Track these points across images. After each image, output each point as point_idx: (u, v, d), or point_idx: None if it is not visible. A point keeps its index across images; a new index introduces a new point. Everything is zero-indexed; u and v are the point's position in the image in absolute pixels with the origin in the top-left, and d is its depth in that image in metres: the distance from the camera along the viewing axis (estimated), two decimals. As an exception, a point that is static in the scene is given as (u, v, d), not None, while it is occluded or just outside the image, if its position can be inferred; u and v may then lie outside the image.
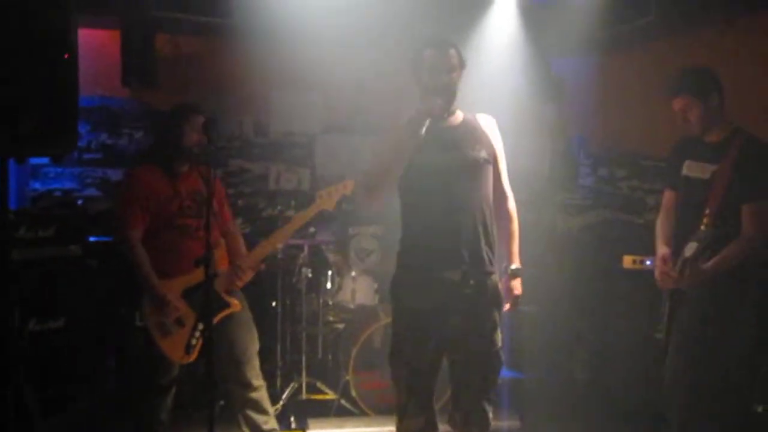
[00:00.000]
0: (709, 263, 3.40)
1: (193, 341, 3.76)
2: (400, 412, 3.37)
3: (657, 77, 5.56)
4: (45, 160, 4.29)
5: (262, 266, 4.14)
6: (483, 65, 5.71)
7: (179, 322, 3.80)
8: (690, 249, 3.43)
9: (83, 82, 5.76)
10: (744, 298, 3.51)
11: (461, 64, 3.31)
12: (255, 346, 4.03)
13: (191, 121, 3.84)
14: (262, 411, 4.01)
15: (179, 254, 3.81)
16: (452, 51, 3.27)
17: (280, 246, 4.74)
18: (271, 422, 4.04)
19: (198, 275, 3.37)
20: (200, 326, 3.76)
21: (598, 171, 6.53)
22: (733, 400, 3.64)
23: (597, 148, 6.60)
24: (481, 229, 3.25)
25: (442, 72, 3.23)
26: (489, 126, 3.40)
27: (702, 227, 3.43)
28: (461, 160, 3.25)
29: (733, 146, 3.45)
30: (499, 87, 5.81)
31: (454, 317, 3.24)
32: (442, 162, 3.24)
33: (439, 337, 3.28)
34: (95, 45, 5.95)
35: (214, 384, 3.25)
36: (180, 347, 3.77)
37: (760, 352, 4.25)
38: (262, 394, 4.03)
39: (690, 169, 3.62)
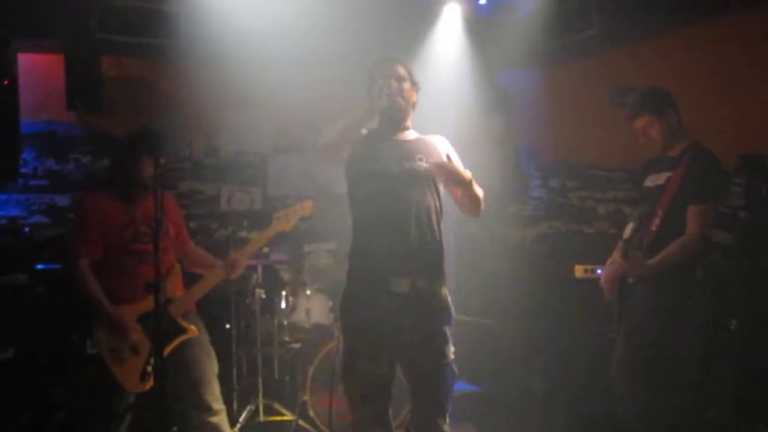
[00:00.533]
0: (655, 258, 3.56)
1: (149, 368, 3.68)
2: (354, 428, 3.37)
3: (602, 88, 5.69)
4: (-12, 188, 4.22)
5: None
6: (430, 79, 5.74)
7: (134, 350, 3.73)
8: (628, 230, 3.66)
9: (28, 107, 5.71)
10: (688, 297, 3.65)
11: (412, 80, 3.41)
12: (214, 369, 3.98)
13: (147, 157, 3.78)
14: (221, 436, 3.95)
15: (134, 280, 3.75)
16: (400, 65, 3.39)
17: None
18: (229, 447, 4.00)
19: (152, 301, 3.32)
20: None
21: (549, 182, 6.61)
22: (682, 399, 3.75)
23: (547, 159, 6.68)
24: (429, 239, 3.27)
25: (390, 78, 3.32)
26: (441, 144, 3.45)
27: (653, 228, 3.64)
28: (411, 170, 3.29)
29: (687, 156, 3.69)
30: (447, 101, 5.88)
31: (404, 331, 3.25)
32: (391, 172, 3.27)
33: (390, 351, 3.29)
34: (39, 70, 5.86)
35: (168, 410, 3.20)
36: (135, 375, 3.71)
37: (711, 354, 4.35)
38: (221, 419, 3.96)
39: (650, 180, 3.86)
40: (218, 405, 3.95)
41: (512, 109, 6.66)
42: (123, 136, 3.97)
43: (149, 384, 3.68)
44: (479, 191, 3.33)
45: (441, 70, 5.96)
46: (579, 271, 4.17)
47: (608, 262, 3.89)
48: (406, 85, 3.37)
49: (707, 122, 4.95)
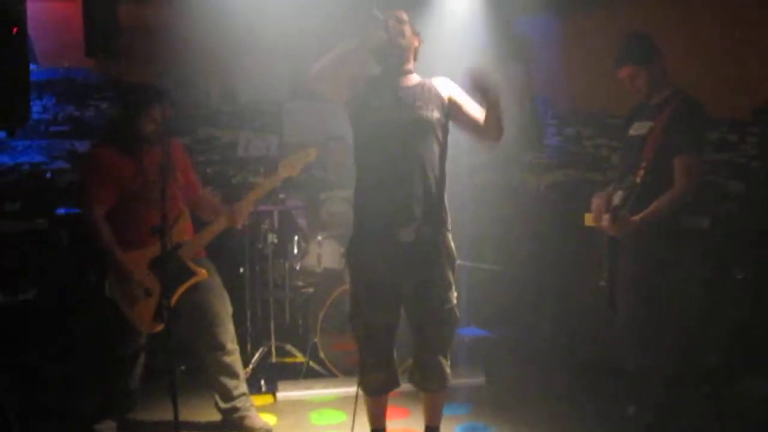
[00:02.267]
0: (640, 215, 3.51)
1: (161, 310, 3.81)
2: (361, 369, 3.50)
3: (618, 36, 5.62)
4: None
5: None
6: (447, 27, 5.76)
7: (147, 292, 3.84)
8: (617, 197, 3.64)
9: (47, 54, 5.78)
10: (676, 250, 3.59)
11: (413, 27, 3.41)
12: (227, 310, 4.08)
13: (148, 113, 3.87)
14: (234, 375, 4.06)
15: (145, 225, 3.82)
16: (402, 11, 3.39)
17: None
18: (241, 387, 4.10)
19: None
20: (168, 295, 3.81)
21: (565, 130, 6.58)
22: (683, 345, 3.77)
23: (563, 107, 6.65)
24: (433, 186, 3.31)
25: (390, 20, 3.32)
26: (441, 85, 3.45)
27: (638, 179, 3.58)
28: (414, 118, 3.30)
29: (670, 104, 3.61)
30: (464, 48, 5.86)
31: (409, 277, 3.33)
32: (395, 120, 3.30)
33: (395, 296, 3.38)
34: (58, 17, 5.94)
35: (174, 350, 3.30)
36: (148, 316, 3.82)
37: (715, 303, 4.37)
38: (235, 358, 4.08)
39: (633, 129, 3.78)
40: (232, 345, 4.07)
41: (530, 56, 6.61)
42: (126, 88, 4.04)
43: (162, 325, 3.80)
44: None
45: (458, 15, 5.94)
46: (588, 219, 4.17)
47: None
48: (407, 28, 3.36)
49: (726, 72, 4.90)
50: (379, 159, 3.32)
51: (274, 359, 5.11)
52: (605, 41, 5.91)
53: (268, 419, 4.26)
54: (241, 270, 5.21)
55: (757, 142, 5.08)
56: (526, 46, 6.52)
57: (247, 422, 4.06)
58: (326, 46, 5.72)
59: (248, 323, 5.19)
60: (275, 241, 5.14)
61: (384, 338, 3.44)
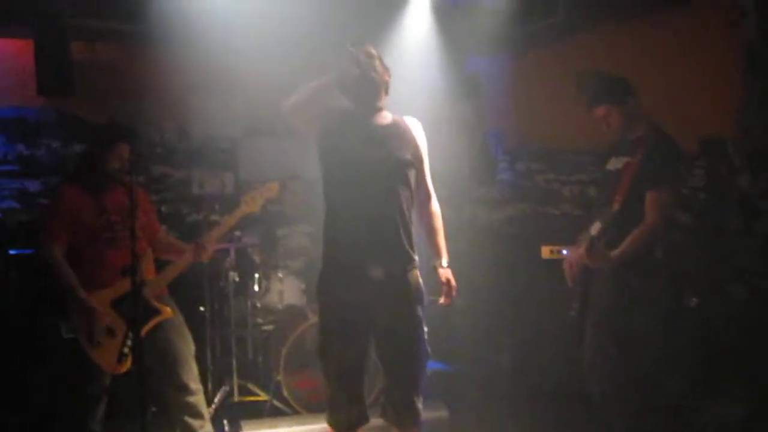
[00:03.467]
0: (617, 251, 3.60)
1: (125, 350, 3.75)
2: (330, 406, 3.48)
3: (566, 74, 5.79)
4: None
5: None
6: (399, 65, 5.79)
7: (110, 333, 3.80)
8: (595, 228, 3.70)
9: (-3, 93, 5.64)
10: (648, 285, 3.70)
11: (382, 61, 3.42)
12: (190, 349, 4.06)
13: (114, 150, 3.90)
14: (198, 416, 4.03)
15: (106, 266, 3.85)
16: (370, 46, 3.41)
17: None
18: (206, 426, 4.08)
19: (125, 285, 3.40)
20: (131, 335, 3.76)
21: (516, 165, 6.72)
22: (647, 381, 3.85)
23: (513, 143, 6.78)
24: (401, 227, 3.35)
25: (361, 55, 3.33)
26: (416, 129, 3.51)
27: (614, 211, 3.64)
28: (387, 159, 3.35)
29: (645, 140, 3.71)
30: (416, 86, 5.94)
31: (379, 314, 3.36)
32: (368, 160, 3.33)
33: (365, 333, 3.40)
34: (8, 55, 5.86)
35: (147, 391, 3.27)
36: (112, 357, 3.77)
37: (672, 331, 4.48)
38: (199, 399, 4.05)
39: (611, 164, 3.89)
40: (195, 385, 4.04)
41: (481, 93, 6.74)
42: (92, 127, 4.04)
43: (126, 365, 3.75)
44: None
45: (410, 54, 6.03)
46: (545, 251, 4.25)
47: (572, 251, 3.93)
48: (377, 63, 3.36)
49: (673, 105, 5.07)
50: (351, 196, 3.35)
51: (236, 398, 5.05)
52: (553, 79, 6.11)
53: (234, 459, 4.22)
54: (202, 309, 5.16)
55: (703, 174, 5.25)
56: (478, 84, 6.65)
57: (214, 463, 4.02)
58: (283, 81, 5.82)
59: (209, 362, 5.12)
60: (236, 279, 5.11)
61: (354, 373, 3.44)
